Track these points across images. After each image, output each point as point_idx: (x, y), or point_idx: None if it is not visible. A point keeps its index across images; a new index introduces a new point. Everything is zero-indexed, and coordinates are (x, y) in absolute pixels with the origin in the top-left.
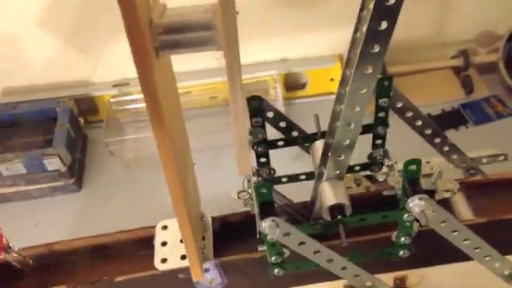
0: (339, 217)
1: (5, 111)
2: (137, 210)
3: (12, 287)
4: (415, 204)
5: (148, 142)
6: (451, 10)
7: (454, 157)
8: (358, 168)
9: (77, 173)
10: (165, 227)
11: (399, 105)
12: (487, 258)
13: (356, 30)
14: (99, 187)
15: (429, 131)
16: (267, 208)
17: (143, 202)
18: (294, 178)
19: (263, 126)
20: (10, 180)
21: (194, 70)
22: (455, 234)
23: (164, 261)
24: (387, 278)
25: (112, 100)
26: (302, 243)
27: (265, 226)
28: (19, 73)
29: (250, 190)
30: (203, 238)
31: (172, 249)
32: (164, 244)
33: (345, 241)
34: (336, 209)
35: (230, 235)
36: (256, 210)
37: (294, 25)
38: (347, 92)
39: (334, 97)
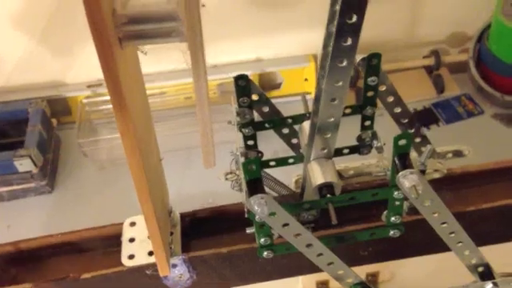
0: (328, 195)
1: None
2: (110, 211)
3: None
4: (406, 178)
5: (121, 143)
6: (423, 10)
7: (423, 149)
8: (346, 151)
9: (49, 174)
10: (133, 224)
11: (382, 88)
12: (459, 244)
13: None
14: (72, 188)
15: (405, 120)
16: (256, 185)
17: (116, 203)
18: (282, 162)
19: (250, 107)
20: None
21: (168, 70)
22: (435, 215)
23: (131, 257)
24: (359, 272)
25: (85, 101)
26: (285, 225)
27: (253, 203)
28: None
29: (237, 172)
30: (171, 234)
31: (140, 245)
32: (131, 240)
33: (335, 219)
34: (325, 188)
35: (199, 231)
36: (244, 189)
37: (268, 25)
38: (327, 67)
39: (308, 97)
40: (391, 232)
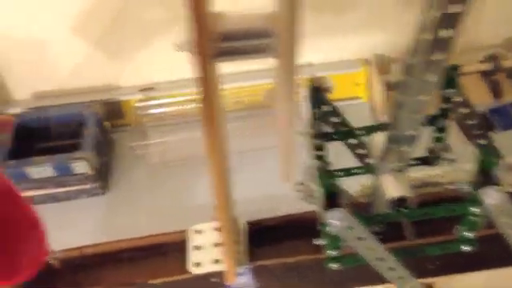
0: (402, 209)
1: (35, 115)
2: (161, 213)
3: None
4: (488, 195)
5: (173, 146)
6: (479, 14)
7: None
8: (415, 162)
9: (103, 176)
10: (198, 231)
11: (458, 99)
12: None
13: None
14: (124, 190)
15: (477, 132)
16: (333, 199)
17: (167, 207)
18: (350, 172)
19: (321, 118)
20: (39, 183)
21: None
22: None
23: (197, 265)
24: None
25: (138, 105)
26: (360, 238)
27: (330, 216)
28: (48, 77)
29: (307, 183)
30: (238, 242)
31: (206, 252)
32: (197, 248)
33: (410, 235)
34: (398, 201)
35: (264, 240)
36: (318, 201)
37: (319, 29)
38: (413, 81)
39: (359, 101)
40: (463, 247)
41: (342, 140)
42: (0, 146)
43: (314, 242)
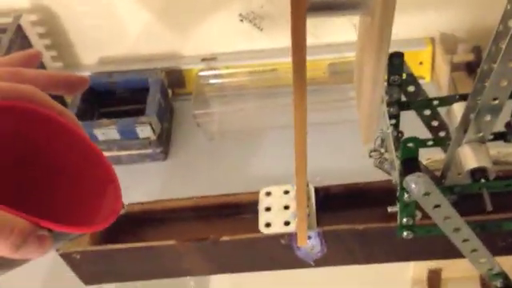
0: (482, 180)
1: (101, 79)
2: (218, 180)
3: (122, 235)
4: None
5: (232, 116)
6: None
7: None
8: (491, 137)
9: (164, 142)
10: (268, 193)
11: None
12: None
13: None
14: (184, 157)
15: None
16: (413, 164)
17: (225, 173)
18: (421, 144)
19: (399, 86)
20: (104, 145)
21: (280, 47)
22: None
23: (268, 225)
24: None
25: (200, 74)
26: (437, 206)
27: (410, 181)
28: (114, 43)
29: (382, 150)
30: (307, 206)
31: (276, 214)
32: (268, 209)
33: (490, 205)
34: (478, 172)
35: (332, 207)
36: (396, 167)
37: None
38: (503, 48)
39: (422, 82)
40: None
41: (416, 110)
42: (68, 108)
43: (389, 210)
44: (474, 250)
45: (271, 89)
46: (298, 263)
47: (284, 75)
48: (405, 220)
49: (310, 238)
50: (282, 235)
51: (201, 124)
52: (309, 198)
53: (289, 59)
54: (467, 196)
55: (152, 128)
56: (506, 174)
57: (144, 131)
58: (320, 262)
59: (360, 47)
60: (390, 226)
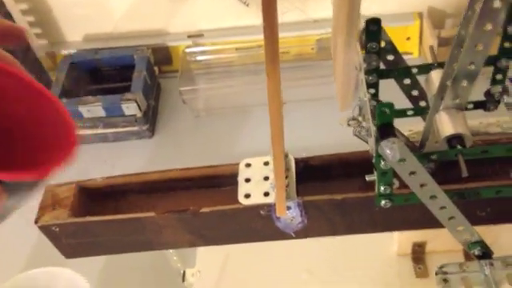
0: (459, 147)
1: (86, 56)
2: (205, 156)
3: (101, 208)
4: None
5: (219, 93)
6: None
7: None
8: (470, 106)
9: (150, 119)
10: (248, 165)
11: None
12: None
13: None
14: (170, 134)
15: None
16: (388, 129)
17: (211, 150)
18: (401, 113)
19: (377, 54)
20: (90, 122)
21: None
22: None
23: (247, 196)
24: None
25: (187, 50)
26: (412, 173)
27: (385, 146)
28: (100, 20)
29: (360, 119)
30: (286, 177)
31: (255, 185)
32: (247, 180)
33: (465, 171)
34: (455, 139)
35: (312, 178)
36: (372, 134)
37: None
38: (478, 8)
39: (409, 57)
40: None
41: (396, 78)
42: (53, 86)
43: (367, 179)
44: (452, 218)
45: (258, 65)
46: (278, 234)
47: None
48: (382, 188)
49: (289, 208)
50: (261, 206)
51: (187, 101)
52: (288, 169)
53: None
54: (445, 166)
55: (138, 105)
56: (484, 143)
57: (130, 108)
58: (300, 234)
59: (334, 14)
60: (368, 196)
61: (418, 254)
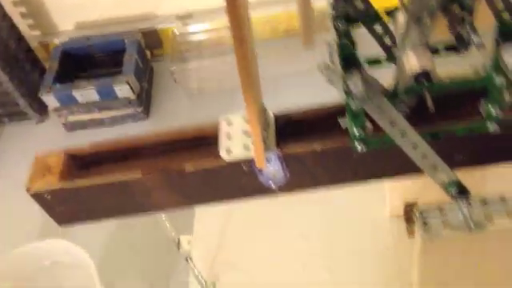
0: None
1: (78, 43)
2: None
3: (90, 173)
4: (510, 52)
5: (210, 72)
6: None
7: None
8: (441, 46)
9: (144, 102)
10: (229, 122)
11: None
12: None
13: None
14: (165, 115)
15: None
16: (350, 61)
17: None
18: (374, 61)
19: (346, 1)
20: (84, 107)
21: (256, 0)
22: None
23: (228, 151)
24: None
25: (176, 31)
26: (381, 111)
27: (349, 80)
28: (91, 8)
29: (331, 65)
30: (265, 131)
31: (236, 140)
32: (228, 136)
33: (432, 106)
34: (421, 75)
35: (293, 133)
36: (340, 74)
37: None
38: None
39: None
40: (490, 126)
41: (365, 25)
42: (47, 73)
43: (339, 120)
44: (425, 157)
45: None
46: (263, 190)
47: (260, 27)
48: (356, 130)
49: (269, 161)
50: (243, 161)
51: (178, 80)
52: (268, 124)
53: (263, 12)
54: (420, 111)
55: (130, 87)
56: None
57: (122, 90)
58: (284, 189)
59: None
60: (346, 145)
61: (410, 215)
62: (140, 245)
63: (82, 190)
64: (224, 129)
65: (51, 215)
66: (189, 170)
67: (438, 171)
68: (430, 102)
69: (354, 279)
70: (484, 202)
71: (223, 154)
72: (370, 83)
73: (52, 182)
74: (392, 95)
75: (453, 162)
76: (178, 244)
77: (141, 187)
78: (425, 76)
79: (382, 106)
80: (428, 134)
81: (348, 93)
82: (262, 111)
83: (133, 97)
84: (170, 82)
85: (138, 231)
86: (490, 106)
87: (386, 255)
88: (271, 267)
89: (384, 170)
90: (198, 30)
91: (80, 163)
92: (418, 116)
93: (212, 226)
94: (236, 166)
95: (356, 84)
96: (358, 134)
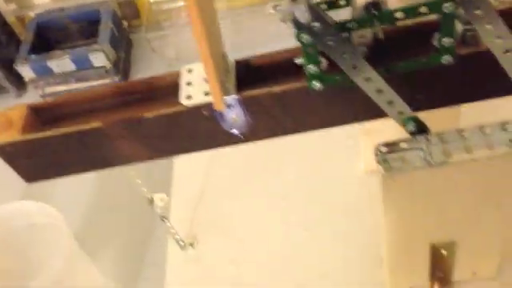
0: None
1: (53, 15)
2: None
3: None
4: None
5: (189, 40)
6: None
7: None
8: None
9: (122, 71)
10: (190, 70)
11: None
12: None
13: None
14: None
15: None
16: None
17: None
18: (333, 5)
19: None
20: (61, 78)
21: None
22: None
23: (189, 97)
24: None
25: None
26: (331, 42)
27: (296, 9)
28: None
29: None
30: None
31: (196, 87)
32: (189, 84)
33: (381, 34)
34: (371, 5)
35: (254, 79)
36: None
37: None
38: None
39: None
40: (443, 58)
41: None
42: (22, 45)
43: (295, 61)
44: (380, 91)
45: (227, 11)
46: (227, 138)
47: None
48: (311, 67)
49: (230, 106)
50: (203, 106)
51: (156, 49)
52: (228, 69)
53: None
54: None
55: (106, 55)
56: None
57: (98, 59)
58: (249, 136)
59: None
60: (305, 86)
61: None
62: (119, 205)
63: (44, 142)
64: (185, 77)
65: (18, 171)
66: (148, 117)
67: (394, 107)
68: (380, 32)
69: (330, 234)
70: (442, 139)
71: (183, 100)
72: (318, 13)
73: (13, 135)
74: (341, 27)
75: (414, 102)
76: (152, 202)
77: (104, 138)
78: (374, 5)
79: (331, 37)
80: (383, 69)
81: (299, 26)
82: (221, 56)
83: (109, 66)
84: (149, 52)
85: (116, 191)
86: (442, 37)
87: (362, 209)
88: (250, 226)
89: (347, 113)
90: None
91: (44, 119)
92: (375, 55)
93: (190, 185)
94: (196, 110)
95: (302, 12)
96: (312, 71)
